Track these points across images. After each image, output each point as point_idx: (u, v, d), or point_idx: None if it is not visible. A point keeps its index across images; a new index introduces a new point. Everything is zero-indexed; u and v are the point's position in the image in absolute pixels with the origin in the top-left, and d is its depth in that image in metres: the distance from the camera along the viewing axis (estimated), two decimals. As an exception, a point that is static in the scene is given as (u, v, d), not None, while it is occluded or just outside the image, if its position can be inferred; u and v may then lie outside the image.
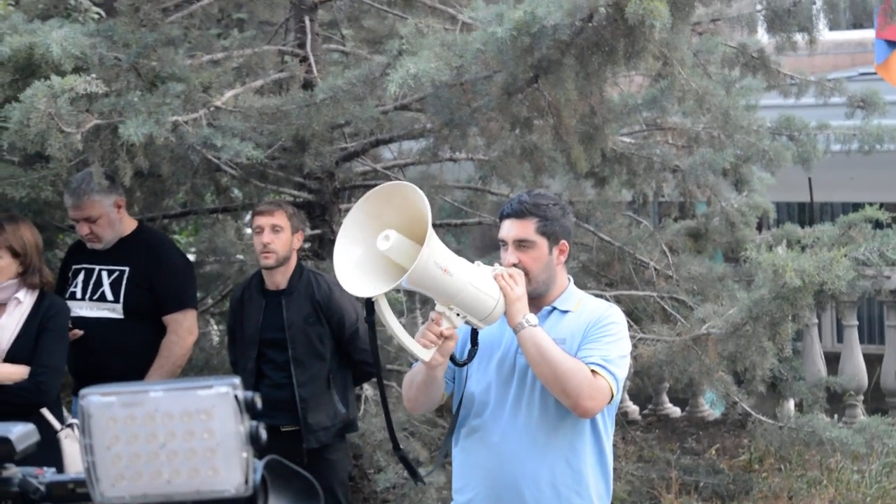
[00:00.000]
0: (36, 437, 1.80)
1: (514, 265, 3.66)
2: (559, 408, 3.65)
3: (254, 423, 1.60)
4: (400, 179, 7.37)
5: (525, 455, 3.68)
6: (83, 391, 1.61)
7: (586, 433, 3.72)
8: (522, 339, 3.58)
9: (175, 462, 1.58)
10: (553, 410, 3.67)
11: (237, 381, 1.58)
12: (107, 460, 1.59)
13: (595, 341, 3.66)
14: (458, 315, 3.50)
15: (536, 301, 3.72)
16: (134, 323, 5.60)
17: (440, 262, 3.36)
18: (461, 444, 3.84)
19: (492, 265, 3.64)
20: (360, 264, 3.39)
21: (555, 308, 3.76)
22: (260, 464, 1.65)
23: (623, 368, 3.69)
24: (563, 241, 3.76)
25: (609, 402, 3.66)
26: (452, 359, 3.64)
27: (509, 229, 3.73)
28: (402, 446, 3.98)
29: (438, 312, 3.49)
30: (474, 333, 3.68)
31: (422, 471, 4.07)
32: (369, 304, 3.44)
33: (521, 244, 3.71)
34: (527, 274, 3.66)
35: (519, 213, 3.73)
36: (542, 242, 3.71)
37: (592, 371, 3.59)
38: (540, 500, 3.68)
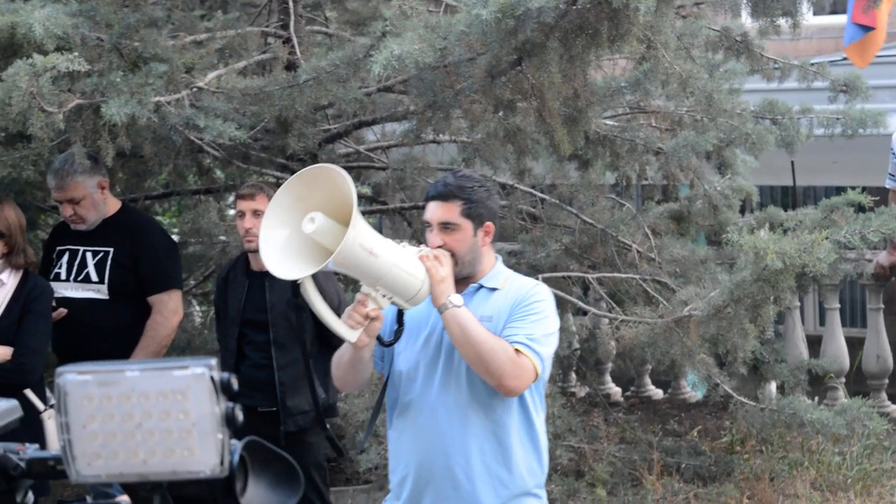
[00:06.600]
0: (18, 414, 1.80)
1: (440, 247, 3.69)
2: (487, 385, 3.68)
3: (230, 404, 1.60)
4: (382, 161, 7.37)
5: (454, 431, 3.73)
6: (59, 369, 1.61)
7: (514, 409, 3.76)
8: (446, 320, 3.62)
9: (151, 442, 1.58)
10: (481, 387, 3.71)
11: (213, 362, 1.59)
12: (83, 439, 1.60)
13: (520, 320, 3.69)
14: (383, 296, 3.54)
15: (463, 281, 3.76)
16: (119, 303, 5.59)
17: (366, 244, 3.39)
18: (394, 424, 3.89)
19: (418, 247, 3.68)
20: (286, 247, 3.43)
21: (482, 286, 3.80)
22: (239, 445, 1.66)
23: (548, 346, 3.73)
24: (489, 223, 3.78)
25: (535, 380, 3.70)
26: (379, 339, 3.67)
27: (434, 212, 3.76)
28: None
29: (365, 294, 3.53)
30: (400, 314, 3.71)
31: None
32: (295, 286, 3.49)
33: (446, 227, 3.73)
34: (453, 255, 3.70)
35: (444, 196, 3.75)
36: (467, 225, 3.74)
37: (516, 350, 3.63)
38: (470, 475, 3.73)
